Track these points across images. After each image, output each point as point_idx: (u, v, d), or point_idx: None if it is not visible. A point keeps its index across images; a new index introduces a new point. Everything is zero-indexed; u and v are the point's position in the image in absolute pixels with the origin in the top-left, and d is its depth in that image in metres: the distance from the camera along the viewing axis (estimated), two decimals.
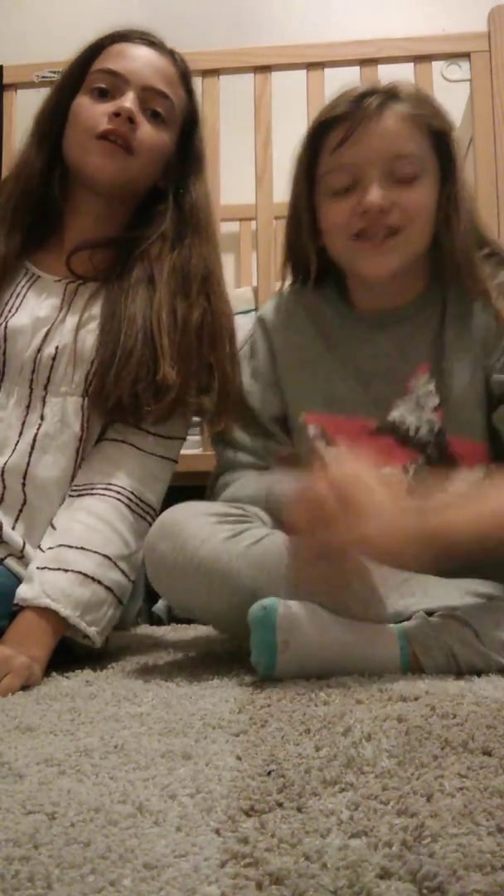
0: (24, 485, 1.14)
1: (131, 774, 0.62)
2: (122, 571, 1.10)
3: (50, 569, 1.06)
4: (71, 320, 1.20)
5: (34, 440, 1.15)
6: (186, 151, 1.28)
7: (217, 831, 0.51)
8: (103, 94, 1.20)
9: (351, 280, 1.22)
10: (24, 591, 1.04)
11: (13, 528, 1.13)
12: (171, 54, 1.26)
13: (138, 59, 1.22)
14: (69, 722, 0.79)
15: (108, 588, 1.07)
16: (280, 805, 0.55)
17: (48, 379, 1.17)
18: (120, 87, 1.20)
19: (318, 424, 1.19)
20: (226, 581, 0.99)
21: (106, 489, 1.14)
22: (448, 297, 1.17)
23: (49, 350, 1.18)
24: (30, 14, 2.78)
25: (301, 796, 0.57)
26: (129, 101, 1.18)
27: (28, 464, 1.15)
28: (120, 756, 0.67)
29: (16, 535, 1.12)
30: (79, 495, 1.15)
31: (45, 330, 1.19)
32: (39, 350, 1.18)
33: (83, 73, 1.23)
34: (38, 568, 1.07)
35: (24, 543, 1.12)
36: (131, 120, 1.18)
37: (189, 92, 1.28)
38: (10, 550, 1.12)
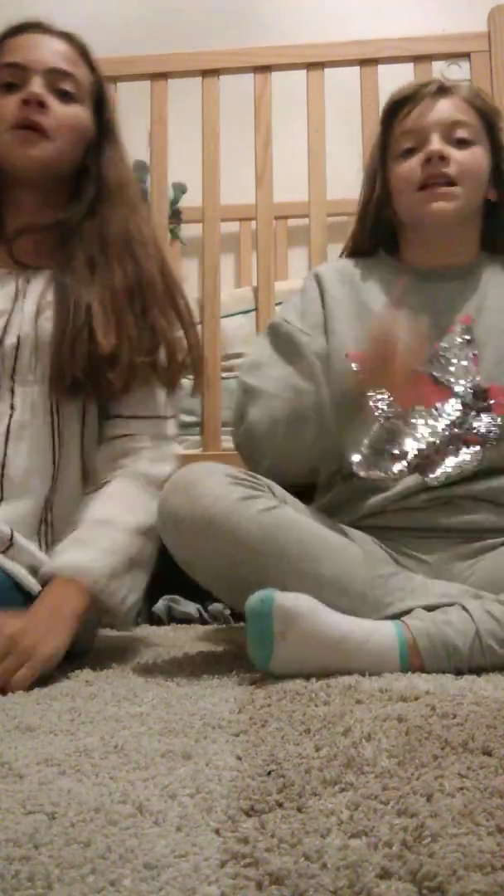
0: (2, 476, 1.15)
1: (131, 774, 0.62)
2: (145, 538, 1.14)
3: (71, 546, 1.10)
4: (28, 309, 1.21)
5: (8, 430, 1.16)
6: (101, 125, 1.31)
7: (217, 831, 0.51)
8: (11, 87, 1.24)
9: (409, 239, 1.35)
10: (46, 567, 1.08)
11: None
12: (66, 36, 1.30)
13: (37, 47, 1.26)
14: (69, 722, 0.79)
15: (131, 557, 1.11)
16: (280, 805, 0.55)
17: (13, 369, 1.18)
18: (25, 77, 1.23)
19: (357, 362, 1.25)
20: (233, 540, 1.01)
21: (120, 474, 1.19)
22: (496, 264, 1.33)
23: (11, 340, 1.19)
24: (30, 13, 2.78)
25: (301, 796, 0.57)
26: (35, 86, 1.22)
27: (5, 455, 1.15)
28: (120, 756, 0.67)
29: (2, 525, 1.12)
30: (94, 490, 1.18)
31: (4, 319, 1.20)
32: (0, 342, 1.19)
33: None
34: (58, 549, 1.11)
35: (12, 533, 1.11)
36: (42, 104, 1.21)
37: (92, 68, 1.31)
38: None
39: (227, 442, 1.79)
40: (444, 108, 1.29)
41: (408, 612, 1.01)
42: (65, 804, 0.55)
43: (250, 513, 1.03)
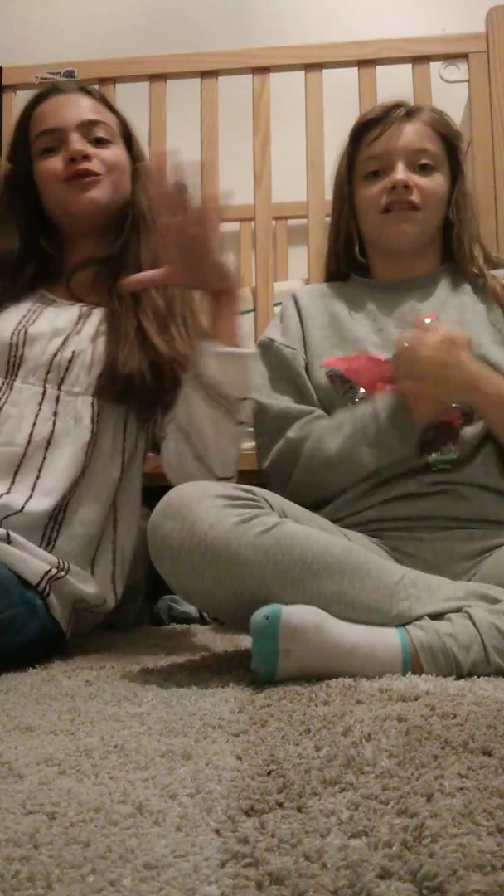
0: (38, 477, 1.21)
1: (131, 774, 0.62)
2: None
3: None
4: (87, 332, 1.31)
5: (51, 436, 1.23)
6: (133, 160, 1.43)
7: (217, 831, 0.51)
8: (51, 150, 1.36)
9: (376, 256, 1.44)
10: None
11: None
12: (83, 90, 1.42)
13: (63, 106, 1.37)
14: (69, 722, 0.78)
15: None
16: (280, 805, 0.55)
17: (62, 379, 1.27)
18: (61, 137, 1.35)
19: (333, 367, 1.35)
20: (232, 568, 0.98)
21: None
22: (456, 274, 1.42)
23: (66, 354, 1.28)
24: (30, 14, 2.78)
25: (301, 796, 0.57)
26: (74, 143, 1.34)
27: (44, 458, 1.22)
28: (120, 756, 0.67)
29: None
30: None
31: (62, 337, 1.30)
32: (56, 354, 1.28)
33: (27, 144, 1.39)
34: None
35: (8, 534, 1.14)
36: (86, 157, 1.33)
37: (115, 112, 1.43)
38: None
39: None
40: (410, 135, 1.36)
41: (412, 617, 1.01)
42: (65, 804, 0.55)
43: (248, 537, 0.98)
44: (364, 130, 1.40)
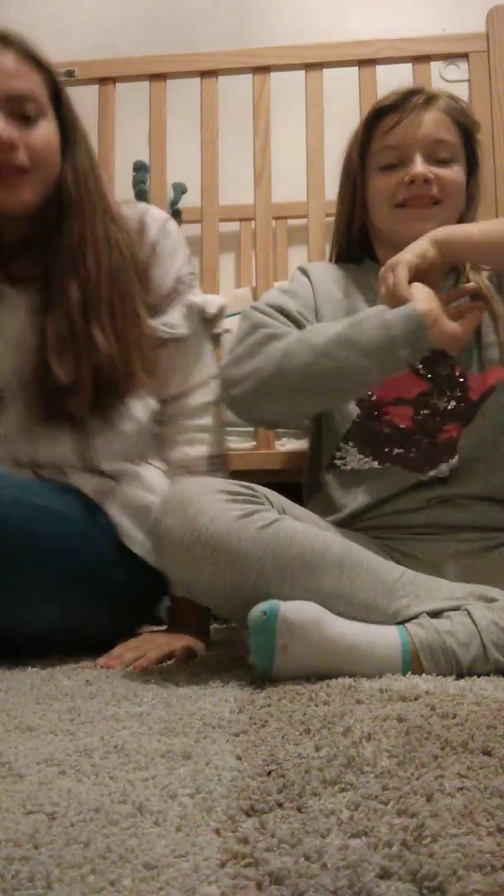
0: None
1: (131, 774, 0.62)
2: None
3: None
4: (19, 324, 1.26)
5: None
6: (61, 123, 1.23)
7: (217, 831, 0.51)
8: None
9: (383, 247, 1.36)
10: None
11: None
12: (3, 41, 1.17)
13: None
14: (69, 722, 0.79)
15: None
16: (280, 805, 0.55)
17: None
18: None
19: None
20: (232, 562, 0.98)
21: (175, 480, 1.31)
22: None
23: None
24: (30, 14, 2.78)
25: (301, 796, 0.57)
26: None
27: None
28: (120, 756, 0.67)
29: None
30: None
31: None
32: None
33: None
34: None
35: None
36: (11, 146, 1.14)
37: (41, 68, 1.20)
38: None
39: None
40: (428, 126, 1.29)
41: (411, 615, 1.01)
42: (65, 804, 0.55)
43: (249, 532, 0.99)
44: (380, 117, 1.32)
